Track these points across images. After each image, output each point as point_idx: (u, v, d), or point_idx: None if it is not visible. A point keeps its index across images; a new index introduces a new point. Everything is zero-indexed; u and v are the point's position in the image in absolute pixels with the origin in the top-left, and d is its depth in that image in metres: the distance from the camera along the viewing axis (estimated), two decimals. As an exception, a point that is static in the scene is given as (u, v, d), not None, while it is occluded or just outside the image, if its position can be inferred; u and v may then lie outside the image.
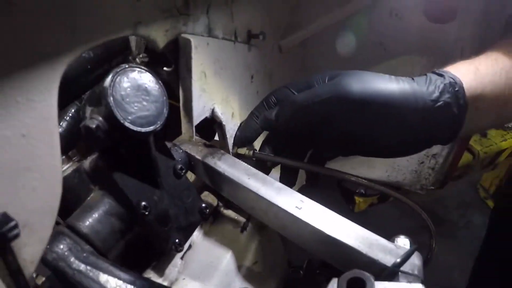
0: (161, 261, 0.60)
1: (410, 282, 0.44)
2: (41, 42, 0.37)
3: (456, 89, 0.57)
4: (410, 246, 0.52)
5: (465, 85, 0.57)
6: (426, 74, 0.59)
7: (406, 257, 0.48)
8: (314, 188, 0.71)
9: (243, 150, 0.68)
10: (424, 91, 0.56)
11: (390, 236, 0.54)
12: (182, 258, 0.62)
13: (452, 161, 1.46)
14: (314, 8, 1.02)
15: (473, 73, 0.60)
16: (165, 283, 0.59)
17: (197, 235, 0.65)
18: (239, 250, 0.64)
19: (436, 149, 1.42)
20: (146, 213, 0.51)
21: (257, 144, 0.71)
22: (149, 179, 0.54)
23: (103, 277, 0.44)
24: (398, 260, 0.47)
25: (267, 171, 0.66)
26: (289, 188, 0.58)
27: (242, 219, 0.68)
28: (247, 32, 0.75)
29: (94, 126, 0.43)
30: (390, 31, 1.19)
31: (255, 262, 0.66)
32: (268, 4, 0.83)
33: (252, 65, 0.80)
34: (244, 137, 0.69)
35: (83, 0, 0.41)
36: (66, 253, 0.45)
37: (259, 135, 0.69)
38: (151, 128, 0.47)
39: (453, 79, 0.57)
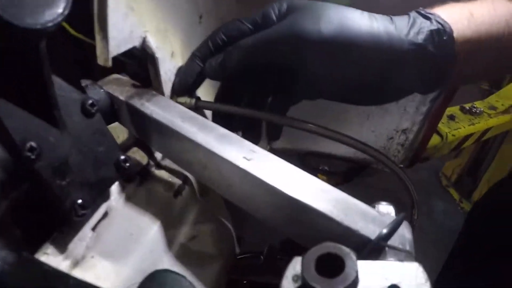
0: (64, 233, 0.45)
1: (401, 260, 0.32)
2: None
3: (445, 38, 0.48)
4: (396, 214, 0.40)
5: (456, 34, 0.49)
6: (409, 14, 0.50)
7: (394, 228, 0.36)
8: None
9: (183, 99, 0.55)
10: (403, 36, 0.47)
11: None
12: (93, 229, 0.47)
13: (423, 139, 1.43)
14: None
15: (467, 19, 0.51)
16: (67, 262, 0.44)
17: (116, 200, 0.50)
18: (171, 221, 0.50)
19: (407, 123, 1.39)
20: (33, 157, 0.36)
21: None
22: (44, 113, 0.38)
23: None
24: (385, 230, 0.35)
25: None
26: (236, 135, 0.44)
27: (177, 181, 0.53)
28: None
29: None
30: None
31: (192, 238, 0.52)
32: None
33: (201, 2, 0.66)
34: (184, 83, 0.57)
35: None
36: None
37: (202, 81, 0.58)
38: (44, 24, 0.31)
39: (442, 26, 0.48)
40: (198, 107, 0.55)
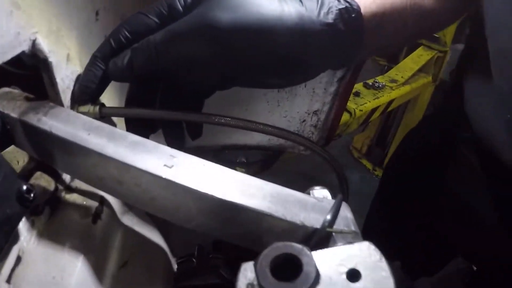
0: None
1: (351, 242, 0.31)
2: None
3: (353, 15, 0.50)
4: (333, 197, 0.40)
5: (363, 10, 0.51)
6: None
7: (336, 211, 0.35)
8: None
9: (86, 108, 0.49)
10: (314, 18, 0.48)
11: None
12: (8, 281, 0.40)
13: (334, 117, 1.47)
14: None
15: None
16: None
17: (27, 239, 0.44)
18: (96, 251, 0.45)
19: (317, 105, 1.42)
20: None
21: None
22: None
23: None
24: (328, 217, 0.34)
25: (147, 134, 0.53)
26: (150, 141, 0.40)
27: (93, 204, 0.48)
28: None
29: None
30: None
31: (124, 264, 0.47)
32: None
33: None
34: (85, 89, 0.50)
35: None
36: None
37: (107, 85, 0.52)
38: None
39: (350, 4, 0.50)
40: (104, 115, 0.49)
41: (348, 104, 2.11)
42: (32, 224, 0.45)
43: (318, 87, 1.34)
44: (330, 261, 0.28)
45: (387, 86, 2.40)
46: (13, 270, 0.40)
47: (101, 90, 0.51)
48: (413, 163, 1.11)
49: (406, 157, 1.17)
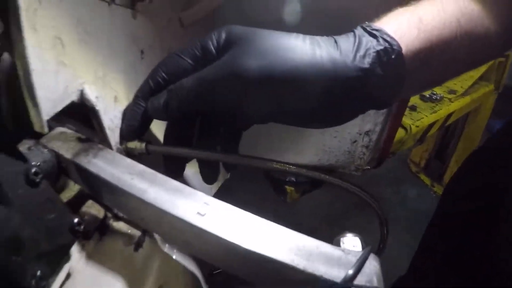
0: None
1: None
2: None
3: (393, 56, 0.46)
4: (362, 247, 0.42)
5: (405, 49, 0.47)
6: (354, 33, 0.48)
7: (360, 265, 0.37)
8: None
9: (133, 144, 0.56)
10: (349, 63, 0.45)
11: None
12: None
13: (387, 137, 1.45)
14: None
15: (416, 27, 0.49)
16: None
17: (77, 260, 0.51)
18: (135, 276, 0.51)
19: (369, 125, 1.40)
20: None
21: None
22: None
23: None
24: (350, 272, 0.36)
25: (181, 169, 0.57)
26: (189, 188, 0.45)
27: (137, 233, 0.54)
28: None
29: None
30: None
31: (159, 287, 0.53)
32: None
33: (141, 37, 0.66)
34: (130, 127, 0.56)
35: None
36: None
37: (150, 122, 0.57)
38: None
39: (389, 44, 0.46)
40: (149, 152, 0.55)
41: (403, 119, 2.04)
42: (82, 247, 0.52)
43: None
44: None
45: (446, 98, 2.30)
46: (62, 284, 0.47)
47: (145, 127, 0.57)
48: (476, 187, 1.05)
49: (469, 179, 1.11)
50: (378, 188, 2.92)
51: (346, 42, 0.46)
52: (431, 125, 2.16)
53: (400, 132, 2.00)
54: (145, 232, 0.55)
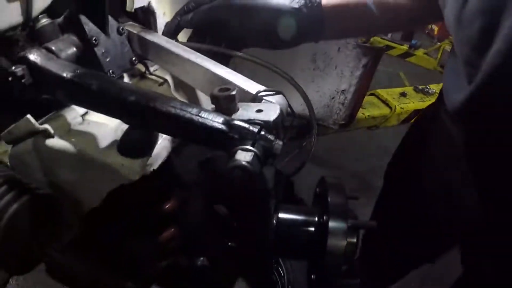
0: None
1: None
2: None
3: (315, 5, 0.90)
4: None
5: (325, 2, 0.90)
6: None
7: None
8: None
9: None
10: (287, 4, 0.89)
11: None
12: None
13: (357, 98, 1.88)
14: None
15: None
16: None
17: (127, 80, 1.01)
18: None
19: (344, 85, 1.84)
20: (96, 43, 0.85)
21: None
22: (101, 26, 0.87)
23: (61, 68, 0.78)
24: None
25: None
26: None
27: (160, 80, 1.04)
28: None
29: None
30: None
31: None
32: None
33: None
34: (169, 30, 1.06)
35: None
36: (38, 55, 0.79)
37: (180, 31, 1.07)
38: None
39: None
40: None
41: (390, 100, 2.47)
42: (131, 78, 1.02)
43: (346, 70, 1.77)
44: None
45: (438, 93, 2.66)
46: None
47: (177, 32, 1.06)
48: (407, 149, 1.31)
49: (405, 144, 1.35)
50: (380, 180, 3.14)
51: None
52: (416, 112, 2.57)
53: (385, 109, 2.45)
54: (164, 82, 1.04)
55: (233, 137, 0.65)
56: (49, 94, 0.82)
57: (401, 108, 2.53)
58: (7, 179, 0.74)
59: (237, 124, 0.66)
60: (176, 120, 0.68)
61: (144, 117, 0.71)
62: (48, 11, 0.83)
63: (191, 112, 0.68)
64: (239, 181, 0.62)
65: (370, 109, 2.48)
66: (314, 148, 0.98)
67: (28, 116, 0.78)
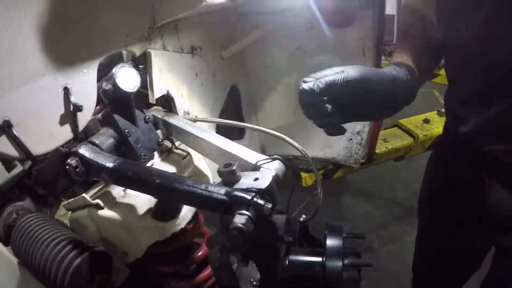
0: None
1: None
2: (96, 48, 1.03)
3: (412, 73, 1.01)
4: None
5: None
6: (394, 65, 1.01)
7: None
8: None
9: (189, 116, 1.34)
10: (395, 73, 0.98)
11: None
12: None
13: (372, 137, 2.05)
14: (247, 27, 1.69)
15: (410, 61, 1.07)
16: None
17: (156, 158, 1.29)
18: (179, 168, 1.27)
19: (359, 127, 2.00)
20: (128, 135, 1.15)
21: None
22: (131, 120, 1.17)
23: (104, 159, 1.07)
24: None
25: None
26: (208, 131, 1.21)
27: (184, 154, 1.31)
28: (191, 47, 1.41)
29: (107, 88, 1.07)
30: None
31: (190, 176, 1.29)
32: (208, 28, 1.49)
33: (196, 66, 1.48)
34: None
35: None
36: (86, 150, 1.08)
37: None
38: (133, 90, 1.11)
39: (410, 68, 1.02)
40: (196, 121, 1.33)
41: (413, 129, 2.60)
42: (160, 155, 1.30)
43: None
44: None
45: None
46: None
47: None
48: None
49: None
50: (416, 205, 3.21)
51: (400, 70, 0.99)
52: None
53: (409, 139, 2.57)
54: (188, 154, 1.32)
55: (232, 204, 0.90)
56: (97, 178, 1.10)
57: (424, 135, 2.60)
58: (71, 240, 1.01)
59: (235, 194, 0.91)
60: (190, 195, 0.94)
61: (167, 194, 0.98)
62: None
63: (200, 188, 0.94)
64: (237, 239, 0.85)
65: (393, 142, 2.56)
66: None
67: (84, 194, 1.07)
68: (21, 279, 1.03)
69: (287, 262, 0.99)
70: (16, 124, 0.97)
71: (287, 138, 1.17)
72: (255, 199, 0.89)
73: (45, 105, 1.03)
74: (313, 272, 0.99)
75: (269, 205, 0.90)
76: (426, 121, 2.77)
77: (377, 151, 2.39)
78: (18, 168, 1.11)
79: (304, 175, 2.26)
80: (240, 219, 0.85)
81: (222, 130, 1.85)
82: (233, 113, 2.06)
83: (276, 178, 1.01)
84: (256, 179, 0.98)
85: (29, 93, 0.98)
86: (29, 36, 0.96)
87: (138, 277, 1.23)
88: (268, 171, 1.03)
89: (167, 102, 1.36)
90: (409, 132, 2.66)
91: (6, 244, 1.08)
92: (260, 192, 0.93)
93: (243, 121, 2.07)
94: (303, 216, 1.16)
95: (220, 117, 1.92)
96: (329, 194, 3.68)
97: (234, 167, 0.98)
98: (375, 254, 2.95)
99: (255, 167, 1.07)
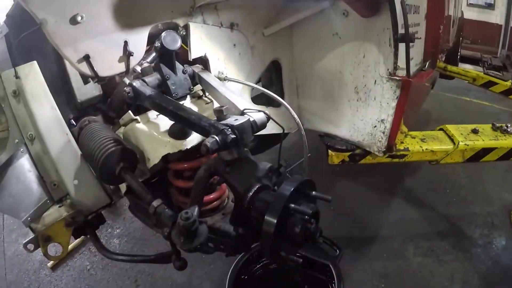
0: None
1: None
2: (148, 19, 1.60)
3: None
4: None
5: None
6: None
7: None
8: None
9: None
10: None
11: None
12: None
13: (393, 128, 2.30)
14: (290, 10, 2.12)
15: None
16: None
17: (188, 102, 1.81)
18: (201, 109, 1.79)
19: (383, 115, 2.29)
20: (167, 79, 1.69)
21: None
22: (172, 69, 1.71)
23: (146, 90, 1.61)
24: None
25: None
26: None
27: (208, 100, 1.82)
28: (230, 23, 1.92)
29: (156, 45, 1.63)
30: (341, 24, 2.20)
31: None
32: (250, 9, 1.99)
33: (234, 38, 2.01)
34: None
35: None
36: (137, 83, 1.64)
37: None
38: (173, 48, 1.64)
39: None
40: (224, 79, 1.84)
41: (456, 135, 2.59)
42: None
43: (383, 101, 2.26)
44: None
45: (518, 135, 2.51)
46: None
47: None
48: None
49: None
50: (469, 224, 3.33)
51: None
52: (486, 151, 2.61)
53: (447, 145, 2.56)
54: (211, 101, 1.82)
55: (209, 131, 1.39)
56: (140, 103, 1.66)
57: (465, 145, 2.52)
58: (114, 139, 1.59)
59: (213, 124, 1.40)
60: (186, 119, 1.47)
61: (175, 117, 1.51)
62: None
63: (194, 116, 1.47)
64: (204, 153, 1.33)
65: (430, 143, 2.56)
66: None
67: (129, 111, 1.66)
68: (80, 167, 1.70)
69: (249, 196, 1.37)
70: (92, 57, 1.58)
71: (288, 106, 1.63)
72: (225, 130, 1.35)
73: (111, 49, 1.63)
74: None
75: (233, 136, 1.35)
76: (475, 131, 2.72)
77: (410, 148, 2.49)
78: (96, 93, 1.77)
79: (331, 153, 2.52)
80: (209, 140, 1.33)
81: (260, 98, 2.33)
82: (277, 86, 2.50)
83: (253, 124, 1.45)
84: (236, 120, 1.44)
85: (102, 40, 1.59)
86: (106, 6, 1.56)
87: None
88: (247, 116, 1.47)
89: (204, 63, 1.88)
90: (451, 138, 2.65)
91: (77, 142, 1.72)
92: (231, 127, 1.38)
93: (282, 92, 2.51)
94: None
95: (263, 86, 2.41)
96: (382, 192, 3.87)
97: (222, 109, 1.45)
98: (405, 262, 3.00)
99: (242, 113, 1.51)
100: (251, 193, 1.31)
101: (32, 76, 1.69)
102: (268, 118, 1.52)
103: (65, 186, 1.72)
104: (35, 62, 1.71)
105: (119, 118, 1.89)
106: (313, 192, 1.32)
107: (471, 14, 8.02)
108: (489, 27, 8.41)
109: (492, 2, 8.34)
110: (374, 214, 3.57)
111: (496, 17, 8.31)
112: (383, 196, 3.80)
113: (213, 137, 1.33)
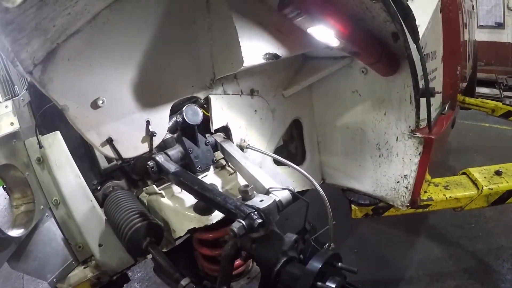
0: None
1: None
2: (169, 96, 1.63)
3: None
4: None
5: None
6: None
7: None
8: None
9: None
10: None
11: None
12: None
13: (416, 184, 2.29)
14: (308, 70, 2.14)
15: None
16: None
17: (211, 173, 1.82)
18: (225, 181, 1.80)
19: (406, 171, 2.29)
20: (190, 152, 1.72)
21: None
22: (194, 142, 1.73)
23: (170, 166, 1.63)
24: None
25: None
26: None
27: (232, 171, 1.83)
28: (250, 90, 1.94)
29: (178, 120, 1.66)
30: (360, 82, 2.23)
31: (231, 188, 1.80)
32: (269, 73, 2.01)
33: (255, 105, 2.03)
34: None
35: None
36: (160, 157, 1.66)
37: None
38: (195, 123, 1.66)
39: None
40: (246, 148, 1.85)
41: (479, 180, 2.57)
42: (214, 170, 1.84)
43: (406, 157, 2.26)
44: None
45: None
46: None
47: None
48: None
49: None
50: (497, 259, 3.28)
51: None
52: (511, 193, 2.56)
53: (471, 190, 2.54)
54: (234, 171, 1.83)
55: (236, 214, 1.39)
56: (164, 177, 1.68)
57: (489, 189, 2.48)
58: (140, 211, 1.61)
59: (239, 207, 1.39)
60: (211, 201, 1.48)
61: (200, 197, 1.52)
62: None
63: (220, 198, 1.47)
64: (232, 238, 1.33)
65: (454, 190, 2.53)
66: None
67: (153, 185, 1.71)
68: (105, 231, 1.73)
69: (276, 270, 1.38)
70: (115, 139, 1.60)
71: (304, 172, 1.62)
72: (251, 214, 1.35)
73: (134, 130, 1.65)
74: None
75: (259, 220, 1.35)
76: (498, 173, 2.67)
77: (434, 197, 2.46)
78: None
79: (354, 207, 2.53)
80: (236, 225, 1.33)
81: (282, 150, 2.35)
82: (298, 142, 2.50)
83: (279, 204, 1.45)
84: (262, 200, 1.43)
85: (124, 122, 1.62)
86: (126, 88, 1.59)
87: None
88: (274, 196, 1.48)
89: (226, 133, 1.90)
90: (474, 183, 2.60)
91: (101, 206, 1.76)
92: (257, 210, 1.38)
93: (304, 148, 2.52)
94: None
95: (285, 144, 2.44)
96: (406, 230, 3.84)
97: (248, 189, 1.45)
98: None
99: (268, 192, 1.52)
100: (277, 267, 1.33)
101: (56, 146, 1.78)
102: (294, 196, 1.51)
103: (90, 248, 1.77)
104: (58, 132, 1.79)
105: (142, 181, 1.91)
106: (339, 264, 1.31)
107: (482, 35, 8.02)
108: (501, 46, 8.51)
109: (502, 22, 8.39)
110: (399, 254, 3.53)
111: (507, 35, 8.38)
112: (407, 235, 3.78)
113: (240, 222, 1.34)
